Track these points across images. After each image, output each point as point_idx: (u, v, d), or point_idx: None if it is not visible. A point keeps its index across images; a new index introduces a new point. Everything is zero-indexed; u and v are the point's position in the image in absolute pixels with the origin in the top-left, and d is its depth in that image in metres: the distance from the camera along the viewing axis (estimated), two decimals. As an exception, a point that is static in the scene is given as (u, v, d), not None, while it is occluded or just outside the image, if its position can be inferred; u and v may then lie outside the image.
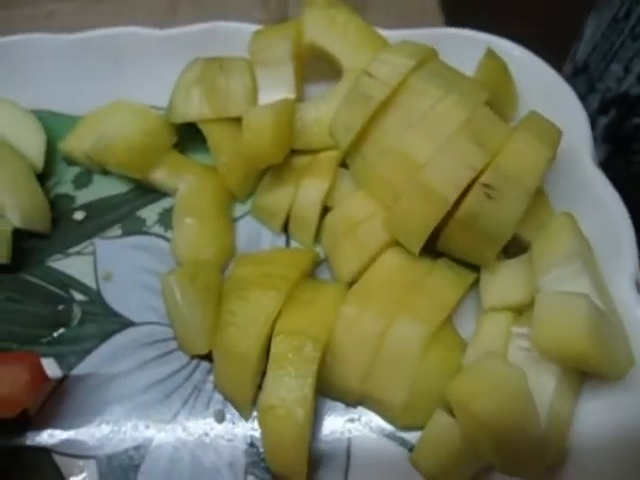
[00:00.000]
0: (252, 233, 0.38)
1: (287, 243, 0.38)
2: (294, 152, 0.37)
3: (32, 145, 0.40)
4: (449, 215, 0.29)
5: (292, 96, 0.38)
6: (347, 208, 0.34)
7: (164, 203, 0.40)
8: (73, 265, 0.38)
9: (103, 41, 0.43)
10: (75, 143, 0.40)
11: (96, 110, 0.41)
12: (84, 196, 0.41)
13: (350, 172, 0.36)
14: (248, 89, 0.39)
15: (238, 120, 0.37)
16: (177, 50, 0.43)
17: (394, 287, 0.31)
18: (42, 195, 0.39)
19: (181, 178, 0.38)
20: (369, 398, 0.30)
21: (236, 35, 0.42)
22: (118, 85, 0.43)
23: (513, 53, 0.39)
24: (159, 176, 0.39)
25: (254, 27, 0.42)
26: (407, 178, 0.30)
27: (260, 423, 0.29)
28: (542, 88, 0.38)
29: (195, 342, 0.32)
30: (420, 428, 0.29)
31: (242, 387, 0.31)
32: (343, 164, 0.37)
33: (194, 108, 0.38)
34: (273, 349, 0.29)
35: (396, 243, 0.32)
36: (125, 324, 0.35)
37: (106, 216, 0.40)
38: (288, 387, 0.28)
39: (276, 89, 0.38)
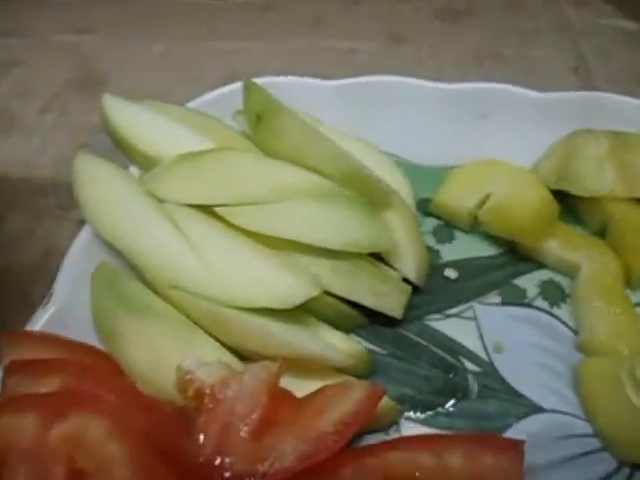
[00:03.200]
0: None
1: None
2: None
3: (400, 193, 0.38)
4: None
5: None
6: None
7: (539, 275, 0.37)
8: (454, 328, 0.35)
9: (471, 95, 0.42)
10: (450, 197, 0.39)
11: (468, 166, 0.40)
12: (449, 252, 0.38)
13: None
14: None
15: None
16: (550, 115, 0.41)
17: None
18: (425, 247, 0.37)
19: (579, 252, 0.36)
20: None
21: (619, 109, 0.40)
22: (480, 141, 0.42)
23: None
24: (552, 246, 0.36)
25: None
26: None
27: None
28: None
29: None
30: None
31: None
32: None
33: (607, 184, 0.36)
34: None
35: None
36: (533, 408, 0.32)
37: (480, 279, 0.37)
38: None
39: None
